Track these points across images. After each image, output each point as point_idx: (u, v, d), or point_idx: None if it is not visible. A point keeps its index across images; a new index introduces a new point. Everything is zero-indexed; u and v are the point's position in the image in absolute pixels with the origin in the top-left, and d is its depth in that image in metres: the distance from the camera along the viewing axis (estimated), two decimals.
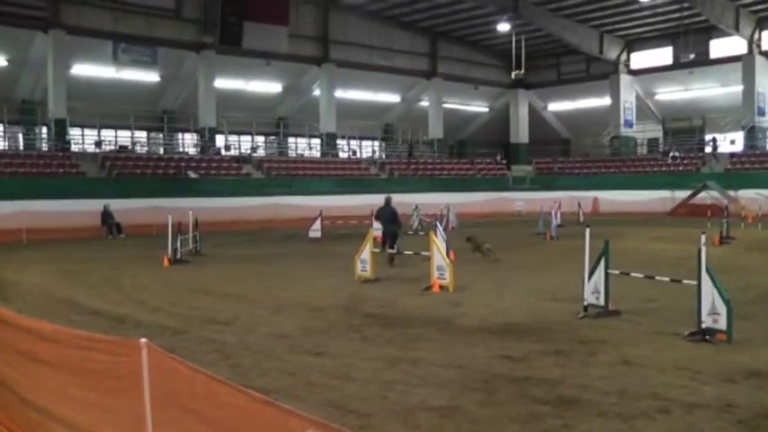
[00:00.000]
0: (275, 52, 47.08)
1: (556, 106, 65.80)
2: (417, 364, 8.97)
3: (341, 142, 53.54)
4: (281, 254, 24.00)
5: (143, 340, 4.50)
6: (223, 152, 45.95)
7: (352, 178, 47.38)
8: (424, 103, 59.47)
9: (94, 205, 32.68)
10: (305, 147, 53.42)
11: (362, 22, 52.40)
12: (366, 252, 16.22)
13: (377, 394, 7.72)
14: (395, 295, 14.39)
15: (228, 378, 7.43)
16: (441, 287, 14.72)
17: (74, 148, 40.82)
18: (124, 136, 44.47)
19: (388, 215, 21.69)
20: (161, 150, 45.96)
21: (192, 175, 39.79)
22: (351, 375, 8.49)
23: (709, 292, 10.09)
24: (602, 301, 11.91)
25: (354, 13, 51.34)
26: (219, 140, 46.79)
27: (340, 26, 51.41)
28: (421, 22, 54.80)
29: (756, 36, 50.85)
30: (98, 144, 42.05)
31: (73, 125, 41.47)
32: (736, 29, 49.31)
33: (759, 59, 50.62)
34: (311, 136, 52.93)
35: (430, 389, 7.91)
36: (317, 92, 52.35)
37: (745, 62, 50.84)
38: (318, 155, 51.62)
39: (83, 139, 42.92)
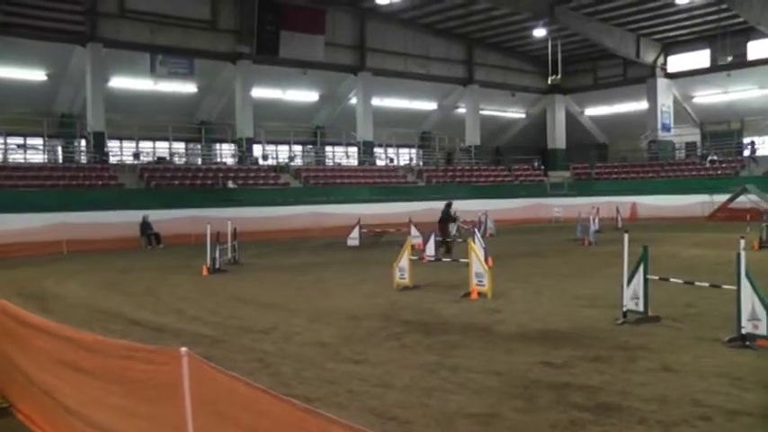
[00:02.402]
0: (312, 61, 47.31)
1: (593, 111, 65.40)
2: (456, 370, 8.96)
3: (378, 150, 53.61)
4: (319, 262, 24.07)
5: (183, 349, 4.54)
6: (261, 162, 46.18)
7: (390, 186, 47.42)
8: (461, 110, 59.38)
9: (133, 216, 32.95)
10: (342, 155, 53.62)
11: (398, 30, 52.51)
12: (404, 259, 16.22)
13: (417, 401, 7.72)
14: (433, 302, 14.39)
15: (269, 386, 7.47)
16: (479, 294, 14.70)
17: (112, 159, 41.27)
18: (162, 147, 44.88)
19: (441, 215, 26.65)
20: (199, 161, 46.34)
21: (231, 185, 40.05)
22: (390, 383, 8.49)
23: (748, 298, 9.97)
24: (641, 307, 11.81)
25: (390, 21, 51.46)
26: (257, 150, 47.03)
27: (376, 34, 51.51)
28: (456, 29, 54.79)
29: None
30: (136, 156, 42.48)
31: (111, 137, 41.90)
32: None
33: None
34: (348, 144, 53.12)
35: (469, 396, 7.90)
36: (353, 100, 52.48)
37: None
38: (356, 163, 51.75)
39: (121, 151, 43.37)
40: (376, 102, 52.55)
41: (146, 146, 44.57)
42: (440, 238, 24.46)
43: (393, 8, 48.38)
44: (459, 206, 37.75)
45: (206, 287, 17.92)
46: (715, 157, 52.38)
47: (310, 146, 53.40)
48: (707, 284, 12.16)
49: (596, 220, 31.50)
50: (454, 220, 27.67)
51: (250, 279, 19.60)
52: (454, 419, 7.14)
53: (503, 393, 7.97)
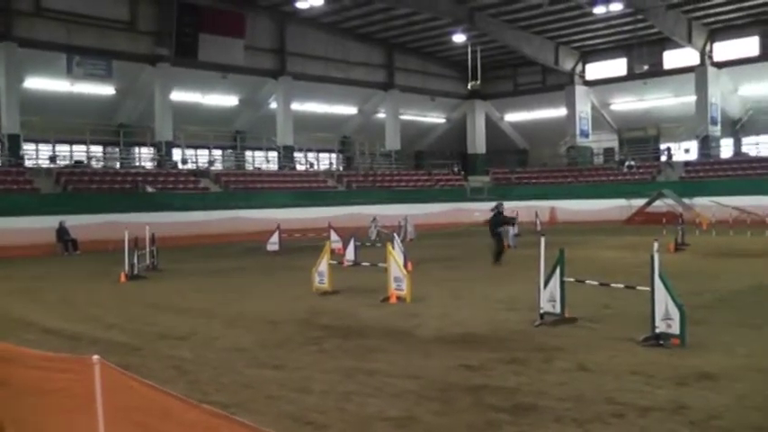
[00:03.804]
0: (231, 65, 46.96)
1: (512, 117, 66.29)
2: (374, 375, 9.02)
3: (298, 155, 53.42)
4: (239, 267, 23.91)
5: (95, 357, 4.50)
6: (180, 166, 45.61)
7: (310, 191, 47.30)
8: (382, 115, 59.55)
9: (49, 222, 32.12)
10: (262, 160, 53.31)
11: (319, 35, 52.45)
12: (324, 264, 16.23)
13: (334, 406, 7.75)
14: (352, 307, 14.43)
15: (186, 394, 7.43)
16: (398, 298, 14.79)
17: (27, 163, 40.22)
18: (79, 151, 43.77)
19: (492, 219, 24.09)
20: (117, 165, 45.45)
21: (149, 189, 39.42)
22: (308, 387, 8.50)
23: (662, 298, 10.29)
24: (558, 309, 12.07)
25: (311, 26, 51.37)
26: (176, 154, 46.47)
27: (296, 39, 51.35)
28: (377, 33, 54.98)
29: (708, 48, 51.89)
30: (52, 159, 41.39)
31: (27, 140, 40.80)
32: (689, 41, 50.30)
33: (711, 70, 51.62)
34: (268, 149, 52.84)
35: (387, 399, 7.95)
36: (273, 104, 52.21)
37: (698, 73, 51.78)
38: (276, 168, 51.51)
39: (37, 155, 42.22)
40: (296, 106, 52.42)
41: (62, 149, 43.38)
42: (497, 250, 23.02)
43: (313, 12, 48.28)
44: (378, 211, 38.04)
45: (124, 294, 17.65)
46: (632, 163, 53.64)
47: (230, 150, 53.01)
48: (622, 286, 12.51)
49: (516, 225, 31.93)
50: (510, 222, 26.02)
51: (169, 285, 19.38)
52: (371, 423, 7.19)
53: (420, 396, 8.04)
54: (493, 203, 25.39)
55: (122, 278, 20.30)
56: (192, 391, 8.13)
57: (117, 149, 46.35)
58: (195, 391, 8.24)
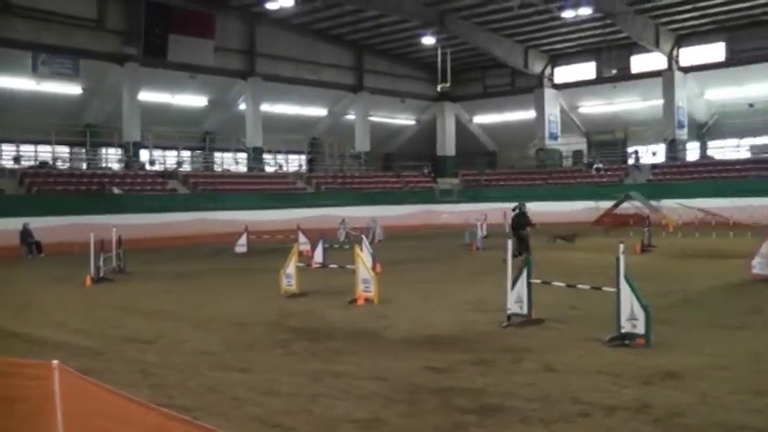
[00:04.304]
0: (201, 65, 46.70)
1: (482, 119, 66.53)
2: (341, 377, 9.00)
3: (267, 156, 53.27)
4: (207, 270, 23.76)
5: (55, 362, 4.43)
6: (148, 167, 45.33)
7: (279, 193, 47.15)
8: (351, 117, 59.53)
9: (13, 224, 31.49)
10: (231, 161, 53.08)
11: (289, 36, 52.32)
12: (291, 266, 16.17)
13: (301, 408, 7.73)
14: (320, 309, 14.40)
15: (150, 398, 7.40)
16: (366, 300, 14.77)
17: None
18: (45, 151, 43.32)
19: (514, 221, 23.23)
20: (84, 166, 45.08)
21: (116, 191, 39.07)
22: (276, 390, 8.48)
23: (627, 299, 10.40)
24: (525, 310, 12.13)
25: (281, 27, 51.24)
26: (144, 155, 46.19)
27: (266, 40, 51.19)
28: (347, 35, 54.98)
29: (675, 53, 52.63)
30: (17, 160, 40.92)
31: None
32: (656, 45, 50.88)
33: (678, 75, 52.31)
34: (237, 150, 52.57)
35: (353, 402, 7.95)
36: (243, 105, 52.02)
37: (665, 77, 52.43)
38: (245, 169, 51.34)
39: (0, 155, 41.76)
40: (266, 107, 52.24)
41: (27, 149, 42.91)
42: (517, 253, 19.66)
43: (283, 14, 48.13)
44: (347, 213, 38.00)
45: (89, 297, 17.44)
46: (600, 165, 54.09)
47: (199, 151, 52.73)
48: (588, 287, 12.57)
49: (484, 227, 32.10)
50: (531, 224, 23.84)
51: (135, 288, 19.19)
52: (338, 425, 7.18)
53: (387, 398, 8.04)
54: (514, 203, 24.72)
55: (88, 281, 20.04)
56: (156, 396, 8.08)
57: (83, 150, 45.96)
58: (160, 395, 8.17)
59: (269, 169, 52.88)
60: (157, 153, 47.89)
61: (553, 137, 59.09)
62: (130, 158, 44.50)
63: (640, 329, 10.33)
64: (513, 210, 23.71)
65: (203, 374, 9.35)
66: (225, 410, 7.71)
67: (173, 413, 3.90)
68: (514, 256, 20.70)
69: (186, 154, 51.69)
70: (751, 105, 52.17)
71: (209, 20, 46.35)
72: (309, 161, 56.19)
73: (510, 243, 12.39)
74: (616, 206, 42.27)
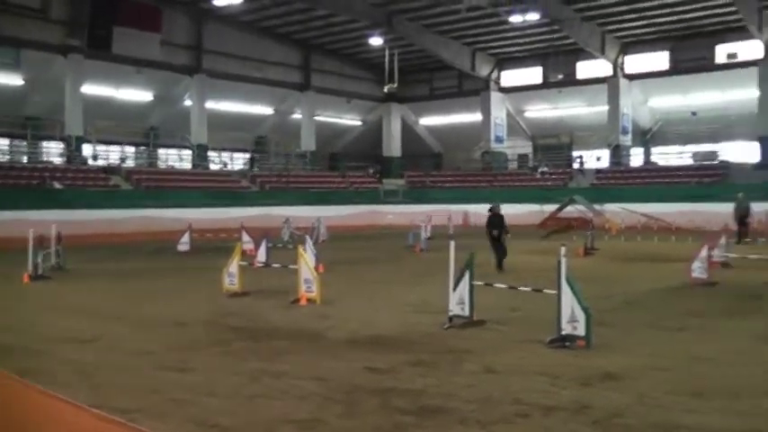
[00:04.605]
0: (146, 59, 46.16)
1: (428, 121, 66.83)
2: (281, 377, 8.96)
3: (212, 154, 52.92)
4: (149, 268, 23.48)
5: None
6: (90, 162, 44.73)
7: (224, 191, 46.84)
8: (297, 116, 59.40)
9: None
10: (176, 158, 52.66)
11: (236, 33, 52.07)
12: (234, 265, 16.06)
13: (240, 409, 7.68)
14: (262, 308, 14.33)
15: (88, 399, 7.30)
16: (308, 300, 14.72)
17: None
18: None
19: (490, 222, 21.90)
20: (24, 159, 44.30)
21: (57, 185, 38.47)
22: (215, 390, 8.40)
23: (568, 301, 10.52)
24: (466, 312, 12.18)
25: (228, 24, 50.95)
26: (87, 150, 45.54)
27: (213, 36, 50.89)
28: (295, 34, 54.90)
29: (620, 60, 53.49)
30: None
31: None
32: (602, 52, 51.74)
33: (623, 82, 53.25)
34: (182, 147, 52.18)
35: (292, 402, 7.92)
36: (188, 102, 51.66)
37: (611, 84, 53.35)
38: (189, 166, 50.94)
39: None
40: (211, 104, 51.94)
41: None
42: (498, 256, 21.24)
43: (231, 10, 47.89)
44: (292, 213, 37.87)
45: (27, 295, 17.15)
46: (545, 169, 54.74)
47: (143, 147, 52.15)
48: (530, 289, 12.70)
49: (428, 228, 32.22)
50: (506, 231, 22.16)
51: (75, 286, 18.85)
52: (276, 426, 7.14)
53: (326, 399, 8.02)
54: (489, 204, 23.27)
55: (25, 279, 19.69)
56: (94, 396, 7.94)
57: (24, 143, 45.13)
58: (98, 396, 8.03)
59: (214, 167, 52.54)
60: (100, 148, 47.25)
61: (499, 140, 59.60)
62: (72, 153, 43.85)
63: (581, 331, 10.45)
64: (489, 210, 22.65)
65: (142, 375, 9.24)
66: (163, 411, 7.62)
67: (107, 415, 3.84)
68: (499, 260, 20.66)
69: (130, 149, 51.18)
70: (694, 113, 53.36)
71: (156, 13, 45.86)
72: (251, 159, 55.63)
73: (452, 244, 12.40)
74: (560, 209, 42.71)
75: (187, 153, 52.13)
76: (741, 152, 51.15)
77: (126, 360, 10.08)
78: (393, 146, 65.37)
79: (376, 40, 51.46)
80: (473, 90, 59.89)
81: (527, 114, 61.95)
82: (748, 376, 9.08)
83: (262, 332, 11.98)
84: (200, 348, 10.77)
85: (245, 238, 26.56)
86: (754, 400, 7.99)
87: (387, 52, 52.38)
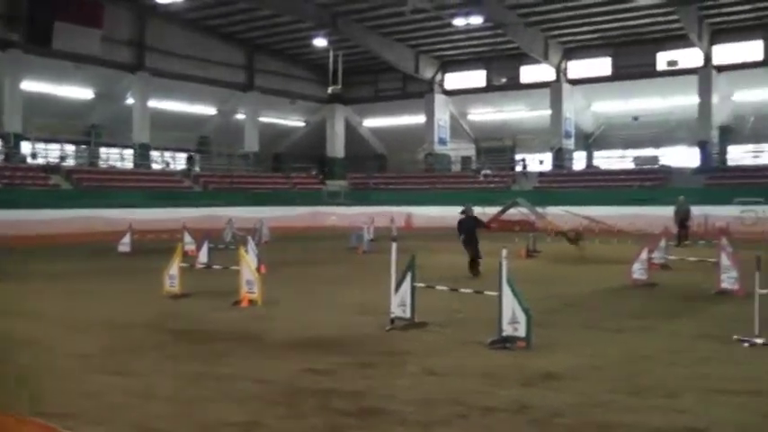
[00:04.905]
0: (87, 55, 45.42)
1: (372, 122, 66.93)
2: (221, 380, 8.91)
3: (155, 153, 52.38)
4: (88, 269, 23.09)
5: None
6: (29, 160, 43.99)
7: (166, 191, 46.36)
8: (241, 116, 59.08)
9: None
10: (117, 157, 52.01)
11: (180, 31, 51.66)
12: (175, 267, 15.90)
13: (179, 412, 7.60)
14: (203, 310, 14.21)
15: (22, 405, 7.14)
16: (250, 301, 14.64)
17: None
18: None
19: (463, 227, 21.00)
20: None
21: None
22: (154, 394, 8.32)
23: (509, 303, 10.60)
24: (408, 314, 12.22)
25: (172, 21, 50.52)
26: (25, 148, 44.75)
27: (156, 33, 50.42)
28: (239, 33, 54.63)
29: (563, 65, 54.08)
30: None
31: None
32: (545, 57, 52.37)
33: (566, 87, 53.96)
34: (124, 146, 51.54)
35: (232, 405, 7.87)
36: (130, 100, 51.01)
37: (553, 89, 53.99)
38: (131, 166, 50.35)
39: None
40: (154, 103, 51.42)
41: None
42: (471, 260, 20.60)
43: (175, 8, 47.42)
44: (235, 213, 37.61)
45: None
46: (489, 171, 55.14)
47: (84, 146, 51.37)
48: (471, 291, 12.75)
49: (371, 230, 32.25)
50: (487, 226, 22.60)
51: (10, 288, 18.41)
52: (216, 429, 7.10)
53: (266, 401, 7.99)
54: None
55: None
56: (31, 402, 7.81)
57: None
58: (34, 402, 7.90)
59: (156, 167, 51.99)
60: (40, 146, 46.46)
61: (442, 142, 59.91)
62: (11, 151, 43.05)
63: (521, 332, 10.53)
64: (461, 213, 22.00)
65: (80, 379, 9.09)
66: (101, 416, 7.50)
67: (50, 425, 3.77)
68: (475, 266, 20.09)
69: (70, 148, 50.38)
70: (635, 118, 54.36)
71: (98, 9, 45.13)
72: (188, 159, 54.91)
73: (394, 246, 12.41)
74: (503, 212, 42.97)
75: (129, 152, 51.50)
76: (681, 157, 52.26)
77: (63, 363, 9.92)
78: (337, 147, 65.31)
79: (320, 41, 51.35)
80: (417, 92, 60.11)
81: (470, 117, 62.37)
82: (686, 374, 9.29)
83: (202, 334, 11.88)
84: (139, 351, 10.63)
85: (187, 238, 26.31)
86: (690, 398, 8.18)
87: (331, 53, 52.32)
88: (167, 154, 54.40)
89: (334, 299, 16.13)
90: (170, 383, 8.78)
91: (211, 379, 8.95)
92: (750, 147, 51.69)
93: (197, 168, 54.80)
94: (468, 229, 21.08)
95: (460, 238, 21.03)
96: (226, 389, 8.50)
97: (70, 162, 48.41)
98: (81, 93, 49.86)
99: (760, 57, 48.34)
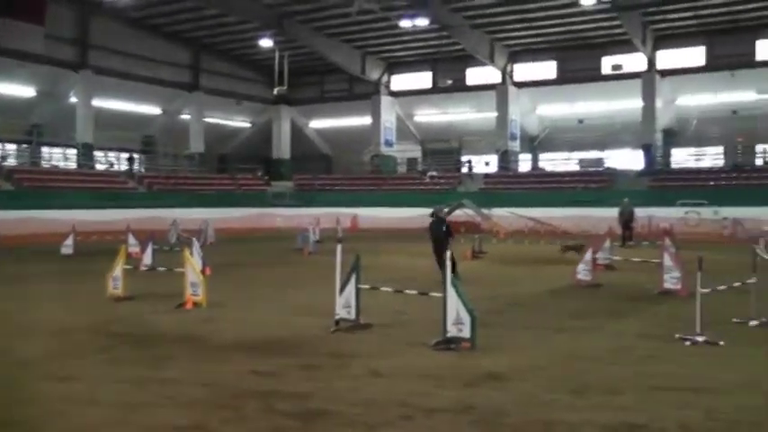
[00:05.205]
0: (29, 53, 44.58)
1: (318, 123, 66.86)
2: (165, 384, 8.85)
3: (98, 154, 51.71)
4: (30, 272, 22.62)
5: None
6: None
7: (110, 192, 45.78)
8: (186, 116, 58.61)
9: None
10: (60, 157, 51.27)
11: (125, 29, 50.98)
12: (119, 269, 15.72)
13: (122, 417, 7.53)
14: (147, 313, 14.06)
15: None
16: (194, 304, 14.54)
17: None
18: None
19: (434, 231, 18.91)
20: None
21: None
22: (97, 399, 8.22)
23: (454, 304, 10.68)
24: (353, 315, 12.26)
25: (116, 19, 49.81)
26: None
27: (101, 31, 49.74)
28: (185, 33, 54.18)
29: (509, 68, 54.56)
30: None
31: None
32: (491, 60, 52.81)
33: (512, 89, 54.49)
34: (67, 146, 50.81)
35: (176, 409, 7.82)
36: (74, 99, 50.28)
37: (499, 91, 54.47)
38: (74, 166, 49.66)
39: None
40: (98, 102, 50.72)
41: None
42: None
43: (120, 5, 46.79)
44: (180, 215, 37.30)
45: None
46: (434, 173, 55.37)
47: (25, 145, 50.45)
48: (416, 292, 12.80)
49: (317, 231, 32.23)
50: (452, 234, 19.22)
51: None
52: None
53: (211, 404, 7.97)
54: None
55: None
56: None
57: None
58: None
59: (100, 167, 51.34)
60: None
61: (389, 143, 60.01)
62: None
63: (466, 333, 10.62)
64: (431, 216, 19.84)
65: (20, 386, 8.94)
66: (42, 424, 7.42)
67: None
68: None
69: (11, 147, 49.51)
70: (580, 121, 55.12)
71: (40, 5, 44.22)
72: (129, 159, 54.01)
73: (339, 248, 12.40)
74: (449, 213, 43.16)
75: (72, 152, 50.77)
76: (626, 159, 53.14)
77: (3, 370, 9.76)
78: (282, 148, 65.05)
79: (266, 42, 51.15)
80: (364, 94, 60.18)
81: (417, 119, 62.59)
82: (629, 373, 9.47)
83: (146, 338, 11.77)
84: (82, 356, 10.51)
85: (132, 240, 25.99)
86: (632, 396, 8.35)
87: (277, 54, 52.05)
88: (111, 154, 53.74)
89: (279, 300, 16.11)
90: (113, 389, 8.68)
91: (155, 383, 8.88)
92: (693, 150, 52.77)
93: (142, 169, 54.21)
94: (436, 233, 18.86)
95: (436, 244, 18.57)
96: (170, 393, 8.44)
97: (11, 162, 47.59)
98: (23, 91, 48.96)
99: (702, 62, 49.48)
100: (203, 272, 17.29)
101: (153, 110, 57.70)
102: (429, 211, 20.00)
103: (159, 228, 31.15)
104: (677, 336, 11.43)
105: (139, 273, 18.52)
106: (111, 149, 53.40)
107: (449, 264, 10.95)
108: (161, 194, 47.52)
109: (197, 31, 53.84)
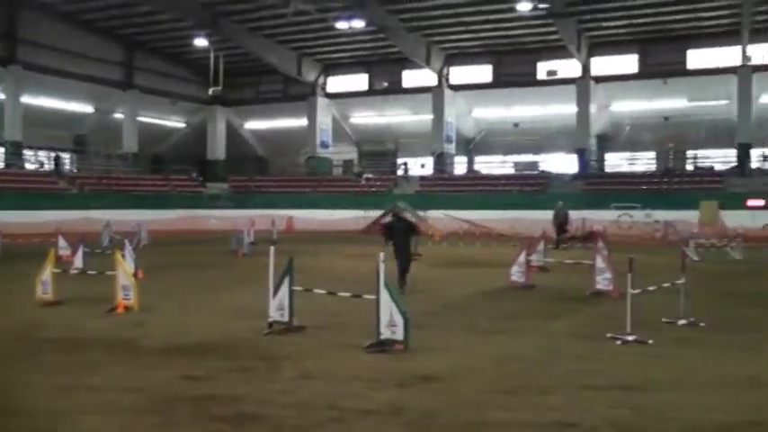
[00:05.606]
0: None
1: (254, 125, 66.55)
2: (94, 390, 8.64)
3: (28, 153, 50.68)
4: None
5: None
6: None
7: (39, 192, 44.84)
8: (119, 115, 57.77)
9: None
10: None
11: (55, 24, 49.98)
12: (47, 273, 15.35)
13: (48, 427, 7.33)
14: (76, 318, 13.74)
15: None
16: (125, 308, 14.28)
17: None
18: None
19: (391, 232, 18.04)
20: None
21: None
22: (20, 409, 7.98)
23: (387, 306, 10.70)
24: (286, 318, 12.17)
25: (46, 13, 48.71)
26: None
27: (30, 26, 48.73)
28: (117, 29, 53.45)
29: (445, 71, 54.92)
30: None
31: None
32: (427, 63, 53.17)
33: (448, 92, 54.90)
34: None
35: (105, 416, 7.65)
36: (1, 96, 49.12)
37: (435, 94, 54.83)
38: (2, 165, 48.59)
39: None
40: (27, 99, 49.64)
41: None
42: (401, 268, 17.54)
43: None
44: (113, 216, 36.76)
45: None
46: (370, 175, 55.52)
47: None
48: (349, 295, 12.69)
49: (251, 233, 32.00)
50: (417, 231, 19.54)
51: None
52: None
53: (140, 410, 7.83)
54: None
55: None
56: None
57: None
58: None
59: (29, 166, 50.32)
60: None
61: (324, 145, 60.00)
62: None
63: (399, 335, 10.64)
64: (389, 214, 19.21)
65: None
66: None
67: None
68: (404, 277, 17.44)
69: None
70: (516, 125, 55.77)
71: None
72: (55, 159, 52.82)
73: (272, 250, 12.26)
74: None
75: (0, 151, 49.67)
76: (561, 163, 53.90)
77: None
78: (217, 149, 64.62)
79: (201, 41, 50.73)
80: (299, 95, 60.08)
81: (353, 120, 62.67)
82: (561, 372, 9.59)
83: (75, 343, 11.51)
84: (8, 363, 10.23)
85: (62, 243, 25.45)
86: (565, 395, 8.46)
87: (212, 54, 51.68)
88: (41, 153, 52.68)
89: (212, 303, 15.94)
90: (40, 396, 8.46)
91: (83, 390, 8.67)
92: (626, 154, 53.98)
93: (74, 169, 53.24)
94: (400, 234, 17.97)
95: (388, 244, 17.61)
96: (99, 400, 8.25)
97: None
98: None
99: (635, 69, 50.66)
100: (135, 275, 16.99)
101: (85, 108, 56.71)
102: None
103: (91, 230, 30.64)
104: (608, 335, 11.66)
105: (70, 276, 18.16)
106: (41, 148, 52.33)
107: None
108: (93, 195, 46.73)
109: (130, 27, 53.12)
